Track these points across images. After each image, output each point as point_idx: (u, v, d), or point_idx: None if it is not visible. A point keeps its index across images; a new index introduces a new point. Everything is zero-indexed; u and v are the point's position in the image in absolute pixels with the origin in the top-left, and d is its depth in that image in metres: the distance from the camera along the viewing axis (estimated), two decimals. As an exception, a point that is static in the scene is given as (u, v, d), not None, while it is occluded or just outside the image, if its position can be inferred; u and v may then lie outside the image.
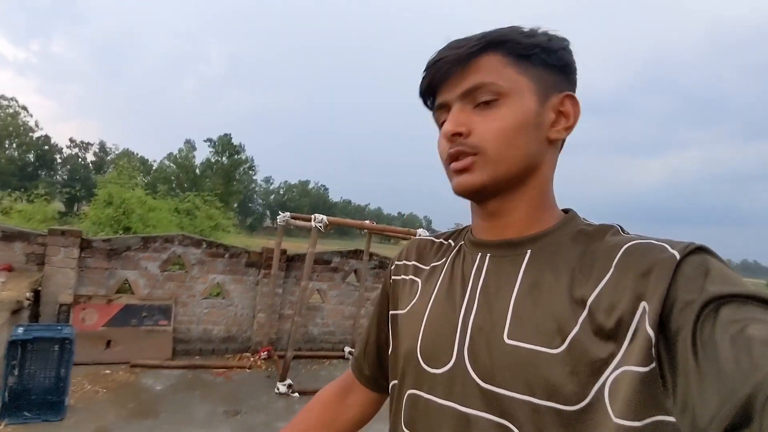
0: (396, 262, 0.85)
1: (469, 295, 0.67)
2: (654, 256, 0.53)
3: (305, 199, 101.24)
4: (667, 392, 0.47)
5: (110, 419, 3.81)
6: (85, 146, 67.13)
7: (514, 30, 0.64)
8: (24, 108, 56.76)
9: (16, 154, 55.02)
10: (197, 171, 58.82)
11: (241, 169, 61.28)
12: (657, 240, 0.56)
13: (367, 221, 6.05)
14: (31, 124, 57.58)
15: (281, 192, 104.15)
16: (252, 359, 5.64)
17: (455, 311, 0.67)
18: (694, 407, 0.43)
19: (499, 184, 0.64)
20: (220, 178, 56.80)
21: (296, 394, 4.75)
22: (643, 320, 0.50)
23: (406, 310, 0.77)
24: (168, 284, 5.52)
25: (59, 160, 63.22)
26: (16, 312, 4.13)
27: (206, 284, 5.72)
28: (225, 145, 58.55)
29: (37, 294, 4.81)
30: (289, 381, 4.82)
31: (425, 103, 0.71)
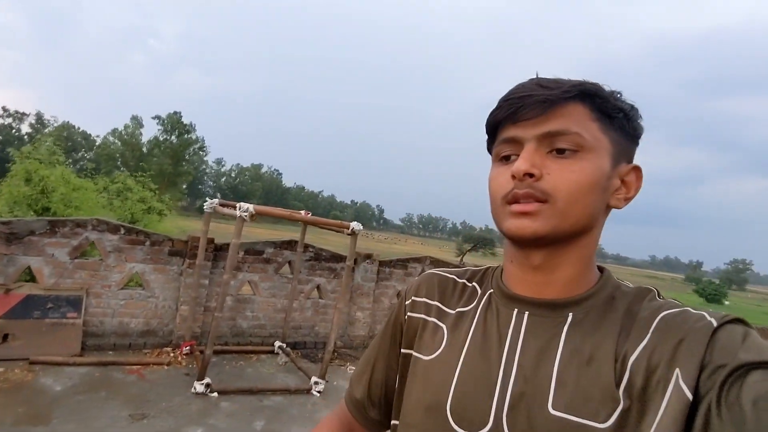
0: (414, 298, 0.81)
1: (507, 355, 0.65)
2: (691, 324, 0.54)
3: (258, 183, 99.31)
4: None
5: (-8, 426, 3.40)
6: (19, 117, 62.96)
7: (602, 86, 0.64)
8: (-50, 72, 52.43)
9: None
10: (144, 149, 56.37)
11: (191, 149, 59.37)
12: (694, 309, 0.58)
13: (302, 211, 5.75)
14: (-41, 90, 53.29)
15: (233, 175, 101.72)
16: (172, 355, 5.27)
17: (492, 371, 0.64)
18: None
19: (558, 237, 0.62)
20: (168, 157, 54.70)
21: (215, 394, 4.45)
22: (679, 385, 0.50)
23: (431, 357, 0.73)
24: (79, 273, 5.05)
25: (-11, 130, 59.03)
26: None
27: (124, 273, 5.28)
28: (174, 123, 56.39)
29: None
30: (207, 380, 4.51)
31: (489, 132, 0.69)
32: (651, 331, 0.57)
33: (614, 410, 0.54)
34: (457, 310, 0.75)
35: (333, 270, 6.61)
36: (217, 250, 5.73)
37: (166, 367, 4.98)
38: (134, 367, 4.83)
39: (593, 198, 0.62)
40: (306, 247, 6.32)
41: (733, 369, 0.47)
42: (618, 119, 0.63)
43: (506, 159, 0.65)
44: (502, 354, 0.65)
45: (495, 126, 0.66)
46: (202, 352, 5.11)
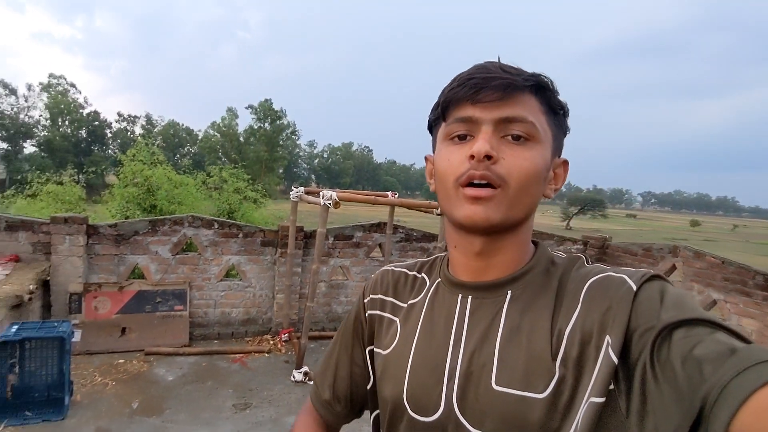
0: (371, 296, 0.84)
1: (454, 339, 0.68)
2: (614, 290, 0.58)
3: (349, 161, 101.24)
4: (621, 416, 0.52)
5: (114, 417, 3.64)
6: (132, 120, 68.89)
7: (550, 80, 0.65)
8: (72, 85, 58.42)
9: (69, 131, 57.03)
10: (241, 138, 59.49)
11: (284, 134, 61.54)
12: (616, 272, 0.61)
13: (388, 193, 5.58)
14: (81, 100, 59.39)
15: (325, 155, 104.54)
16: (272, 342, 5.41)
17: (441, 356, 0.68)
18: (657, 424, 0.47)
19: (506, 224, 0.64)
20: (263, 144, 57.29)
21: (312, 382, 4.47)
22: (608, 351, 0.54)
23: (387, 351, 0.76)
24: (181, 268, 5.30)
25: (109, 135, 65.22)
26: (17, 306, 3.98)
27: (221, 266, 5.47)
28: (266, 110, 58.69)
29: (46, 284, 4.69)
30: (305, 368, 4.55)
31: (443, 109, 0.67)
32: (580, 301, 0.60)
33: (551, 380, 0.58)
34: (409, 302, 0.78)
35: (425, 250, 6.40)
36: (307, 238, 5.74)
37: (266, 355, 5.11)
38: (237, 355, 5.01)
39: (538, 188, 0.65)
40: (395, 228, 6.16)
41: (660, 330, 0.50)
42: (560, 115, 0.67)
43: (460, 138, 0.65)
44: (449, 338, 0.68)
45: (449, 104, 0.66)
46: (299, 338, 5.18)
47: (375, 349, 0.80)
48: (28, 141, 56.27)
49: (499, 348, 0.63)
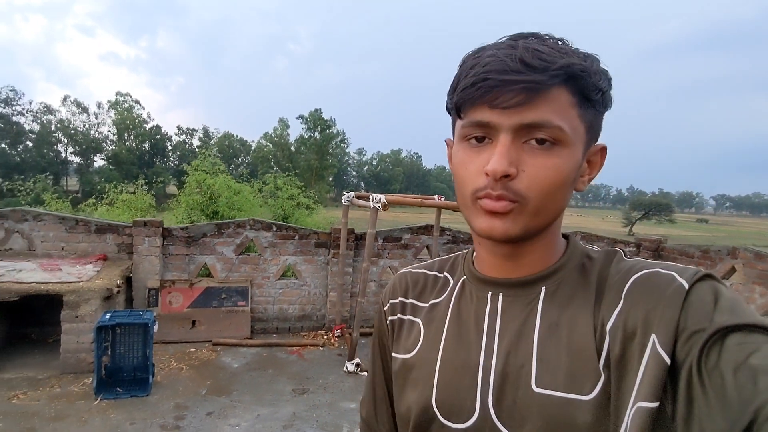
0: (390, 301, 0.79)
1: (486, 339, 0.64)
2: (664, 287, 0.53)
3: (398, 168, 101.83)
4: (667, 419, 0.49)
5: (189, 396, 4.12)
6: (190, 132, 72.25)
7: (581, 57, 0.57)
8: (137, 102, 62.18)
9: (134, 144, 60.71)
10: (292, 148, 61.24)
11: (334, 142, 62.70)
12: (664, 268, 0.56)
13: (435, 197, 5.88)
14: (144, 116, 63.05)
15: (374, 163, 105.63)
16: (325, 337, 5.81)
17: (473, 357, 0.64)
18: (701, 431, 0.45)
19: (527, 236, 0.61)
20: (314, 153, 58.73)
21: (364, 373, 4.82)
22: (655, 350, 0.50)
23: (410, 355, 0.71)
24: (243, 267, 5.80)
25: (170, 147, 68.77)
26: (108, 298, 4.55)
27: (279, 266, 5.93)
28: (316, 120, 60.09)
29: (128, 280, 5.29)
30: (357, 360, 4.90)
31: (457, 108, 0.60)
32: (624, 295, 0.56)
33: (597, 381, 0.54)
34: (430, 302, 0.74)
35: (469, 252, 6.65)
36: (358, 240, 6.12)
37: (321, 348, 5.51)
38: (294, 348, 5.43)
39: (564, 194, 0.60)
40: (442, 230, 6.45)
41: (711, 334, 0.47)
42: (595, 101, 0.59)
43: (477, 141, 0.60)
44: (482, 338, 0.64)
45: (463, 104, 0.59)
46: (351, 333, 5.55)
47: (395, 355, 0.75)
48: (97, 155, 60.14)
49: (537, 347, 0.59)
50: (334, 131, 61.93)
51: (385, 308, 0.80)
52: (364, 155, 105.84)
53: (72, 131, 56.85)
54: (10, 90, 52.27)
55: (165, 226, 5.49)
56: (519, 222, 0.58)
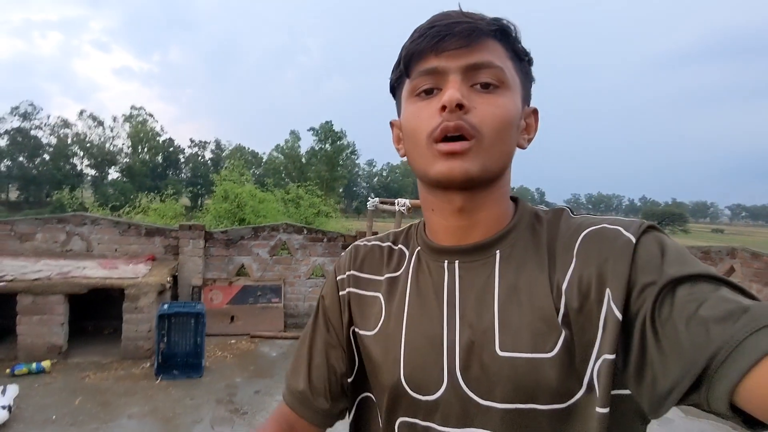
0: (346, 272, 0.78)
1: (447, 309, 0.64)
2: (611, 242, 0.56)
3: (408, 179, 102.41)
4: (618, 369, 0.52)
5: (236, 378, 4.65)
6: (202, 145, 73.65)
7: (514, 26, 0.63)
8: (151, 115, 63.70)
9: (147, 157, 61.99)
10: (303, 160, 62.05)
11: (344, 154, 63.27)
12: (610, 223, 0.59)
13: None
14: (157, 129, 64.44)
15: (384, 174, 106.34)
16: (351, 331, 6.33)
17: (436, 330, 0.64)
18: (655, 379, 0.48)
19: (485, 177, 0.61)
20: (324, 165, 59.43)
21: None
22: (611, 306, 0.53)
23: (374, 331, 0.71)
24: (277, 267, 6.35)
25: (182, 160, 70.09)
26: (161, 292, 5.11)
27: (309, 266, 6.48)
28: (327, 132, 60.75)
29: (174, 278, 5.85)
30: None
31: (406, 64, 0.64)
32: (575, 253, 0.58)
33: (558, 338, 0.56)
34: (386, 276, 0.73)
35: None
36: (380, 242, 6.65)
37: (348, 341, 6.02)
38: (324, 340, 5.95)
39: (511, 136, 0.62)
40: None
41: (662, 287, 0.50)
42: (525, 62, 0.65)
43: (427, 93, 0.62)
44: (443, 309, 0.64)
45: (412, 57, 0.62)
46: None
47: (359, 331, 0.73)
48: (112, 167, 61.34)
49: (498, 311, 0.60)
50: (345, 143, 62.63)
51: (339, 278, 0.78)
52: (374, 166, 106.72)
53: (88, 144, 58.21)
54: (29, 105, 53.87)
55: (207, 230, 6.06)
56: (477, 161, 0.59)
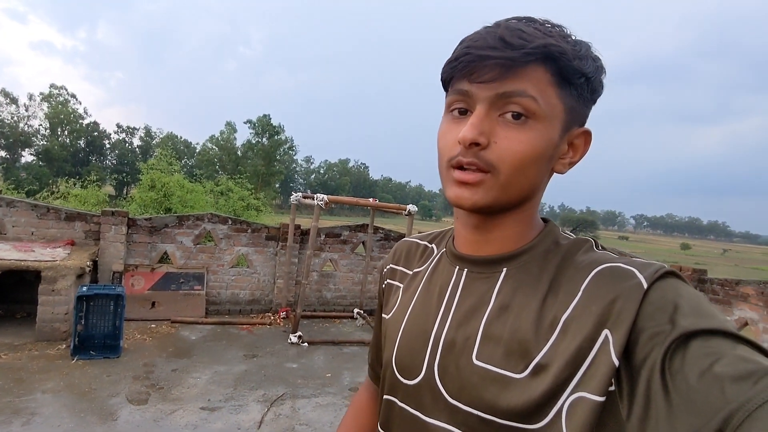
0: (389, 265, 0.87)
1: (444, 310, 0.68)
2: (622, 282, 0.54)
3: (345, 177, 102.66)
4: (620, 418, 0.50)
5: (155, 358, 4.85)
6: (131, 131, 70.01)
7: (568, 42, 0.60)
8: (73, 96, 59.54)
9: (68, 141, 57.96)
10: (239, 153, 60.71)
11: (282, 149, 62.39)
12: (626, 263, 0.56)
13: (370, 199, 6.86)
14: (81, 111, 60.50)
15: (322, 171, 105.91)
16: (272, 318, 6.63)
17: (428, 324, 0.69)
18: None
19: (496, 207, 0.63)
20: (261, 159, 58.43)
21: (306, 344, 5.69)
22: (606, 348, 0.51)
23: (389, 316, 0.79)
24: (200, 255, 6.53)
25: (108, 146, 66.36)
26: (80, 276, 5.20)
27: (233, 255, 6.71)
28: (264, 126, 59.64)
29: (95, 263, 5.91)
30: (299, 333, 5.76)
31: (443, 80, 0.65)
32: (583, 288, 0.57)
33: (530, 362, 0.56)
34: (414, 270, 0.80)
35: (400, 248, 7.66)
36: (303, 234, 6.99)
37: (268, 326, 6.33)
38: (245, 325, 6.22)
39: (537, 169, 0.61)
40: (376, 229, 7.42)
41: (675, 338, 0.47)
42: (577, 84, 0.60)
43: (461, 113, 0.62)
44: (440, 308, 0.68)
45: (448, 76, 0.64)
46: (295, 313, 6.40)
47: (383, 315, 0.83)
48: (26, 150, 56.96)
49: (485, 323, 0.62)
50: (283, 138, 61.80)
51: (384, 270, 0.87)
52: (312, 163, 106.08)
53: (-3, 123, 53.66)
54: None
55: (131, 216, 6.16)
56: (489, 194, 0.60)
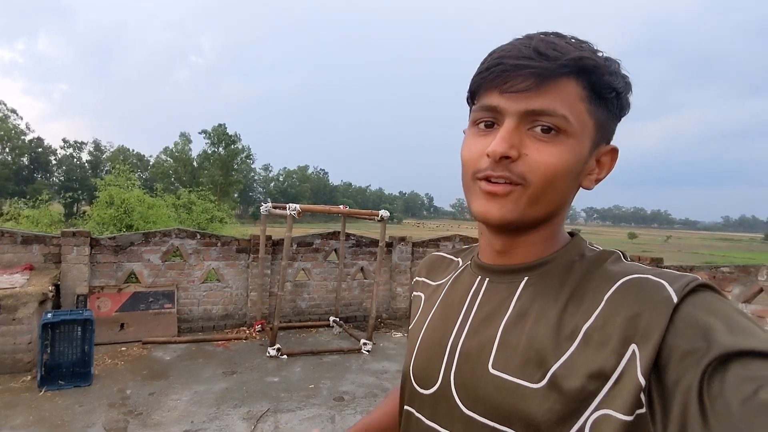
0: (416, 278, 0.89)
1: (462, 318, 0.68)
2: (649, 296, 0.51)
3: (305, 184, 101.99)
4: None
5: (129, 382, 4.66)
6: (79, 146, 67.51)
7: (599, 57, 0.59)
8: (13, 111, 57.13)
9: (9, 158, 55.39)
10: (195, 163, 59.42)
11: (239, 158, 61.62)
12: (656, 275, 0.54)
13: (341, 206, 6.81)
14: (22, 126, 57.93)
15: (281, 179, 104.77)
16: (248, 332, 6.49)
17: (446, 334, 0.68)
18: None
19: (524, 222, 0.61)
20: (218, 169, 57.42)
21: (285, 356, 5.59)
22: (633, 365, 0.49)
23: (411, 326, 0.81)
24: (169, 272, 6.33)
25: (54, 162, 63.73)
26: (42, 302, 4.94)
27: (203, 270, 6.53)
28: (220, 135, 58.85)
29: (57, 287, 5.63)
30: (278, 345, 5.66)
31: (471, 92, 0.64)
32: (606, 298, 0.55)
33: (547, 371, 0.54)
34: (437, 282, 0.81)
35: (373, 253, 7.64)
36: (275, 245, 6.88)
37: (244, 341, 6.18)
38: (220, 342, 6.06)
39: (567, 184, 0.60)
40: (348, 236, 7.38)
41: (713, 359, 0.44)
42: (608, 99, 0.60)
43: (487, 126, 0.62)
44: (458, 316, 0.68)
45: (477, 88, 0.63)
46: (271, 327, 6.29)
47: (409, 324, 0.85)
48: (-38, 170, 54.03)
49: (501, 331, 0.61)
50: (239, 147, 60.99)
51: (413, 282, 0.90)
52: (270, 171, 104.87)
53: (-73, 142, 50.67)
54: None
55: (93, 236, 5.90)
56: (517, 207, 0.59)
